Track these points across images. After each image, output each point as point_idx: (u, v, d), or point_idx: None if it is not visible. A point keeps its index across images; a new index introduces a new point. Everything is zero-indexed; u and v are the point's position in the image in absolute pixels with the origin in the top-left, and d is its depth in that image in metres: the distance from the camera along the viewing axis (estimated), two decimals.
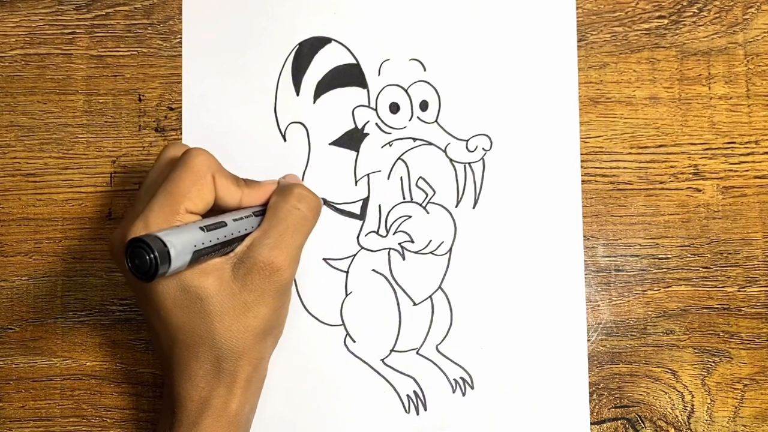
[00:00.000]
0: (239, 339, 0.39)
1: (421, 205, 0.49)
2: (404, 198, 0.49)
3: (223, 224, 0.38)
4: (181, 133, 0.49)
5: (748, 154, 0.49)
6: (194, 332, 0.38)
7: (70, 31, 0.50)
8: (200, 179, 0.39)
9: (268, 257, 0.39)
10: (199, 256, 0.36)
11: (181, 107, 0.49)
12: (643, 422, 0.48)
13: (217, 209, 0.41)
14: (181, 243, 0.35)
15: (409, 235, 0.48)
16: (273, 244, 0.39)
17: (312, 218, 0.42)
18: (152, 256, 0.33)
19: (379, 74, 0.49)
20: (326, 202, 0.49)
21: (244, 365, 0.39)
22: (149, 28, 0.50)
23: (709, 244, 0.49)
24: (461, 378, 0.48)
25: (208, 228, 0.37)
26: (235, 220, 0.39)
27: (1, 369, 0.48)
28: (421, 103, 0.49)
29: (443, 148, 0.49)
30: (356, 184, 0.49)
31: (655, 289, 0.48)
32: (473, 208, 0.49)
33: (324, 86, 0.49)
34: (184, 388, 0.39)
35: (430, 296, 0.48)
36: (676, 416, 0.48)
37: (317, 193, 0.44)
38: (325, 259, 0.48)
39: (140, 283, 0.37)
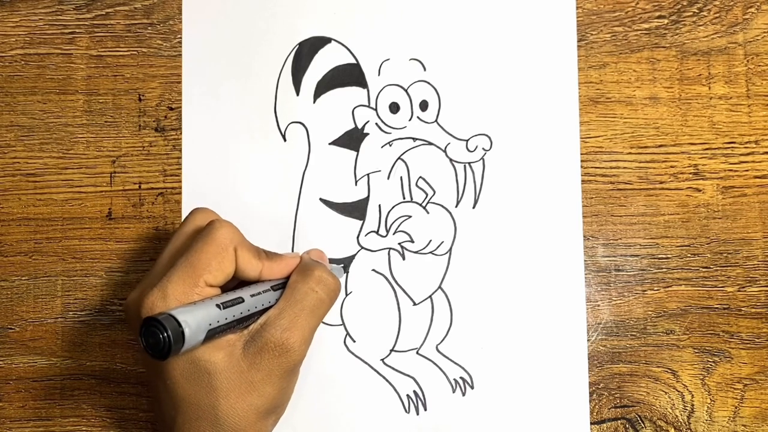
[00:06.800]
0: (241, 417, 0.39)
1: (421, 205, 0.49)
2: (404, 198, 0.49)
3: (240, 300, 0.38)
4: (181, 133, 0.49)
5: (748, 154, 0.49)
6: (198, 406, 0.38)
7: (70, 31, 0.50)
8: (222, 252, 0.39)
9: (280, 338, 0.39)
10: (214, 334, 0.36)
11: (181, 107, 0.49)
12: (643, 422, 0.48)
13: (236, 279, 0.41)
14: (195, 322, 0.35)
15: (409, 235, 0.48)
16: (286, 325, 0.39)
17: (329, 302, 0.42)
18: (166, 335, 0.34)
19: (379, 74, 0.49)
20: (326, 202, 0.49)
21: None
22: (149, 28, 0.50)
23: (709, 244, 0.49)
24: (461, 378, 0.48)
25: (225, 305, 0.37)
26: (252, 295, 0.39)
27: (1, 369, 0.48)
28: (421, 103, 0.49)
29: (443, 148, 0.49)
30: (356, 184, 0.49)
31: (655, 289, 0.48)
32: (473, 208, 0.49)
33: (324, 86, 0.49)
34: None
35: (430, 296, 0.48)
36: (676, 416, 0.48)
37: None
38: None
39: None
